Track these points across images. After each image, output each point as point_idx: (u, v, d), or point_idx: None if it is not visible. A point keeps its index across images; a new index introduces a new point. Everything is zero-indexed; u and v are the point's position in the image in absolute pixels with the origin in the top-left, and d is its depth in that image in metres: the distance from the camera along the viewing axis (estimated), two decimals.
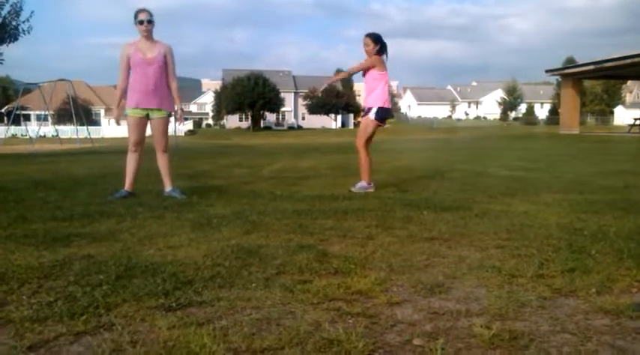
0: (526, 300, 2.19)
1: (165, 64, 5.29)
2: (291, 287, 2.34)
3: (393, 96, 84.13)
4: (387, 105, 5.75)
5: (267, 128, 66.14)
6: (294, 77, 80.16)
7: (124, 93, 5.34)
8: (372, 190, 5.63)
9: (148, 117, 5.33)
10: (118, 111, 5.43)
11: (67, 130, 39.49)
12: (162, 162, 5.47)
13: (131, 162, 5.36)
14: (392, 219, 3.94)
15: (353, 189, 5.63)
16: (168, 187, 5.43)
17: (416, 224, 3.78)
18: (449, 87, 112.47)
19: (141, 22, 5.17)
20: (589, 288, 2.32)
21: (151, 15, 5.19)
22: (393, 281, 2.45)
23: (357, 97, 73.08)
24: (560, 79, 37.04)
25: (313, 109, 67.25)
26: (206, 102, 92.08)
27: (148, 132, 5.33)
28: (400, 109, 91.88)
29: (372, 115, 5.71)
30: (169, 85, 5.36)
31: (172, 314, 2.04)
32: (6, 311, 2.08)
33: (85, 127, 27.49)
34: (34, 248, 3.08)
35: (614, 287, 2.34)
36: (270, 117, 70.28)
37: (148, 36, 5.24)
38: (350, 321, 1.99)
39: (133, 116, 5.28)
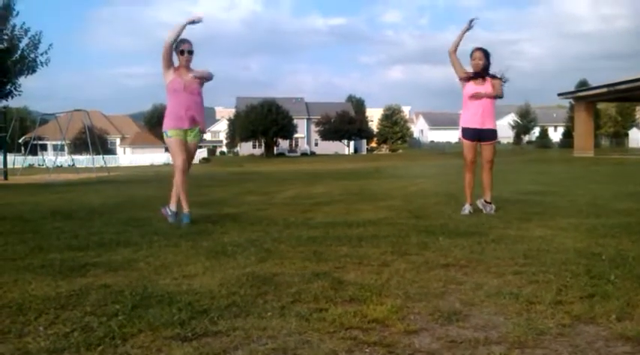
0: (545, 328, 2.16)
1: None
2: (306, 315, 2.33)
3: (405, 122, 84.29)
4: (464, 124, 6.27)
5: (281, 154, 66.50)
6: (306, 104, 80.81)
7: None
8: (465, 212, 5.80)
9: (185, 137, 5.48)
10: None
11: (83, 160, 39.98)
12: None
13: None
14: (407, 246, 3.92)
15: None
16: None
17: (432, 250, 3.75)
18: (461, 111, 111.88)
19: (182, 53, 5.37)
20: (609, 315, 2.28)
21: (192, 45, 5.40)
22: (409, 309, 2.43)
23: (370, 123, 73.40)
24: (572, 102, 36.95)
25: (326, 135, 67.61)
26: (220, 130, 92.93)
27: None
28: (413, 134, 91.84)
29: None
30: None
31: (188, 344, 2.03)
32: (24, 343, 2.08)
33: (100, 156, 27.80)
34: (50, 278, 3.10)
35: (634, 313, 2.30)
36: (284, 143, 70.70)
37: (187, 66, 5.43)
38: (367, 351, 1.97)
39: (174, 137, 5.42)
